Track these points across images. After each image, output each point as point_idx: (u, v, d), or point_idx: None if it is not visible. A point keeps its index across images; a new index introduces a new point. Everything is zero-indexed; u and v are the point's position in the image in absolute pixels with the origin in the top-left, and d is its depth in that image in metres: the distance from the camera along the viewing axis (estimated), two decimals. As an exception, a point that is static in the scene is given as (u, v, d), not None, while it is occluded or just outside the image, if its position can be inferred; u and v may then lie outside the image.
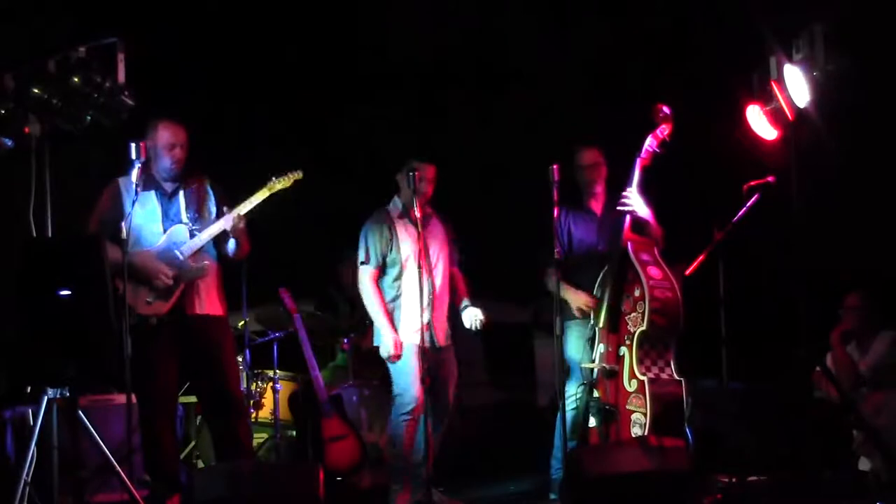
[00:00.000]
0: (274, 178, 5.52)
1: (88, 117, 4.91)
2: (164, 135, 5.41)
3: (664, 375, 5.44)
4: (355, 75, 7.46)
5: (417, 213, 5.57)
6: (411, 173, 5.58)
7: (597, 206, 5.93)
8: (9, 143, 4.91)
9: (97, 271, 4.50)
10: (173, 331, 5.36)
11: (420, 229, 5.58)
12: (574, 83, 7.25)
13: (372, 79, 7.49)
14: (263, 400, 6.71)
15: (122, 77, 4.87)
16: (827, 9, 5.39)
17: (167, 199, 5.47)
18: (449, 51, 7.20)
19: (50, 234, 4.80)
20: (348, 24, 7.33)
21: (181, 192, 5.50)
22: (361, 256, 5.79)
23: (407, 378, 5.69)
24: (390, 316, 5.72)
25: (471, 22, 7.19)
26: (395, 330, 5.69)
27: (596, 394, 5.60)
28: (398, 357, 5.66)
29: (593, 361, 5.63)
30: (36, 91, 4.79)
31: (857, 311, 6.10)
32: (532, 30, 7.24)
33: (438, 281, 5.75)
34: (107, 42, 4.86)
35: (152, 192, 5.43)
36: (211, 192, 5.60)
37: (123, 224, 5.06)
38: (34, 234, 4.82)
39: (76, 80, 4.80)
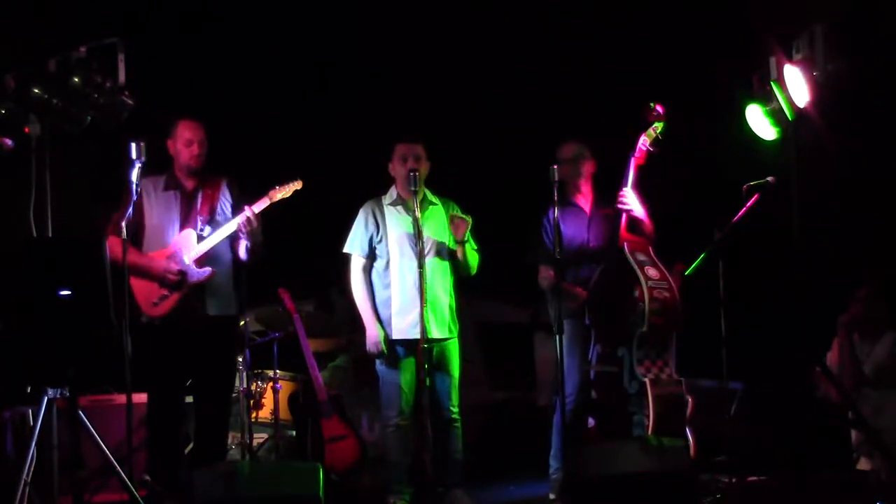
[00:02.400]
0: (276, 188, 5.64)
1: (88, 117, 4.91)
2: (183, 132, 5.60)
3: (664, 376, 5.44)
4: (356, 75, 7.46)
5: (414, 191, 5.47)
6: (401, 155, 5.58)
7: (584, 201, 5.91)
8: (9, 143, 4.91)
9: (97, 271, 4.49)
10: (180, 332, 5.47)
11: (416, 216, 5.47)
12: (573, 83, 7.25)
13: (373, 79, 7.49)
14: (263, 400, 6.71)
15: (122, 77, 4.88)
16: (827, 9, 5.39)
17: (187, 199, 5.61)
18: (448, 52, 7.20)
19: (50, 234, 4.80)
20: (348, 25, 7.33)
21: (200, 194, 5.63)
22: (347, 245, 5.75)
23: (392, 389, 5.63)
24: (373, 310, 5.64)
25: (469, 22, 7.19)
26: (380, 324, 5.61)
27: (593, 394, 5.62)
28: (379, 354, 5.60)
29: (590, 361, 5.62)
30: (36, 91, 4.80)
31: (867, 302, 6.06)
32: (532, 29, 7.24)
33: (430, 270, 5.56)
34: (107, 42, 4.87)
35: (172, 193, 5.59)
36: (227, 194, 5.71)
37: (123, 224, 5.09)
38: (34, 234, 4.82)
39: (76, 80, 4.80)
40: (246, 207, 5.52)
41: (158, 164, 5.58)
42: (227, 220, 5.62)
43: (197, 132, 5.63)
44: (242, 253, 5.62)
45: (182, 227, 5.57)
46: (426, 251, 5.53)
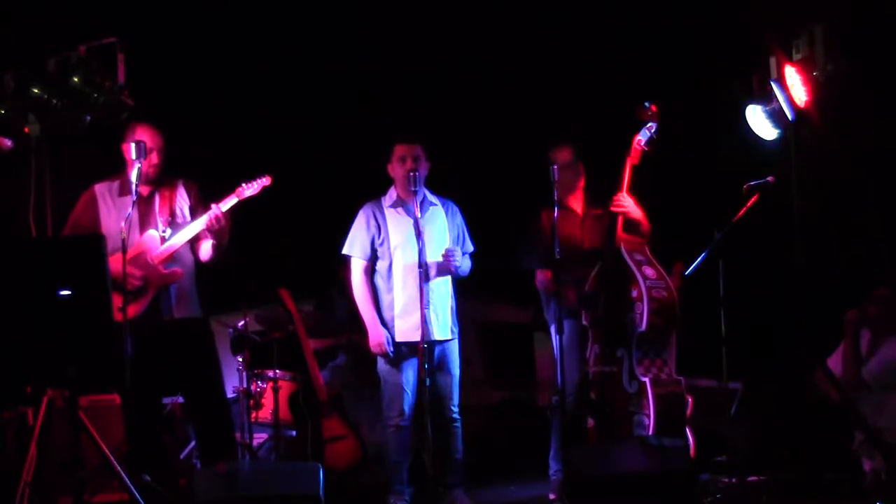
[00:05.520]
0: (244, 185, 5.52)
1: (88, 117, 4.92)
2: (141, 139, 5.32)
3: (663, 375, 5.44)
4: (356, 74, 7.46)
5: (413, 189, 5.46)
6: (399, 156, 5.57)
7: (577, 203, 5.92)
8: (9, 143, 4.92)
9: (97, 271, 4.49)
10: (149, 335, 5.37)
11: (416, 216, 5.45)
12: (573, 83, 7.25)
13: (372, 78, 7.49)
14: (263, 400, 6.70)
15: (122, 77, 4.88)
16: (827, 9, 5.39)
17: (144, 203, 5.47)
18: (447, 51, 7.20)
19: (50, 234, 4.80)
20: (347, 23, 7.33)
21: (157, 197, 5.51)
22: (346, 248, 5.73)
23: (393, 388, 5.62)
24: (376, 311, 5.62)
25: (468, 21, 7.19)
26: (384, 326, 5.60)
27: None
28: (382, 354, 5.59)
29: (588, 361, 5.62)
30: (36, 91, 4.80)
31: (884, 302, 6.01)
32: (530, 29, 7.24)
33: (433, 272, 5.56)
34: (107, 42, 4.87)
35: (128, 198, 5.36)
36: (185, 196, 5.60)
37: (123, 224, 5.06)
38: (34, 234, 4.82)
39: (76, 80, 4.81)
40: (213, 205, 5.39)
41: (114, 166, 5.47)
42: (185, 220, 5.52)
43: (156, 140, 5.41)
44: (204, 253, 5.54)
45: (142, 231, 5.44)
46: (427, 253, 5.52)
